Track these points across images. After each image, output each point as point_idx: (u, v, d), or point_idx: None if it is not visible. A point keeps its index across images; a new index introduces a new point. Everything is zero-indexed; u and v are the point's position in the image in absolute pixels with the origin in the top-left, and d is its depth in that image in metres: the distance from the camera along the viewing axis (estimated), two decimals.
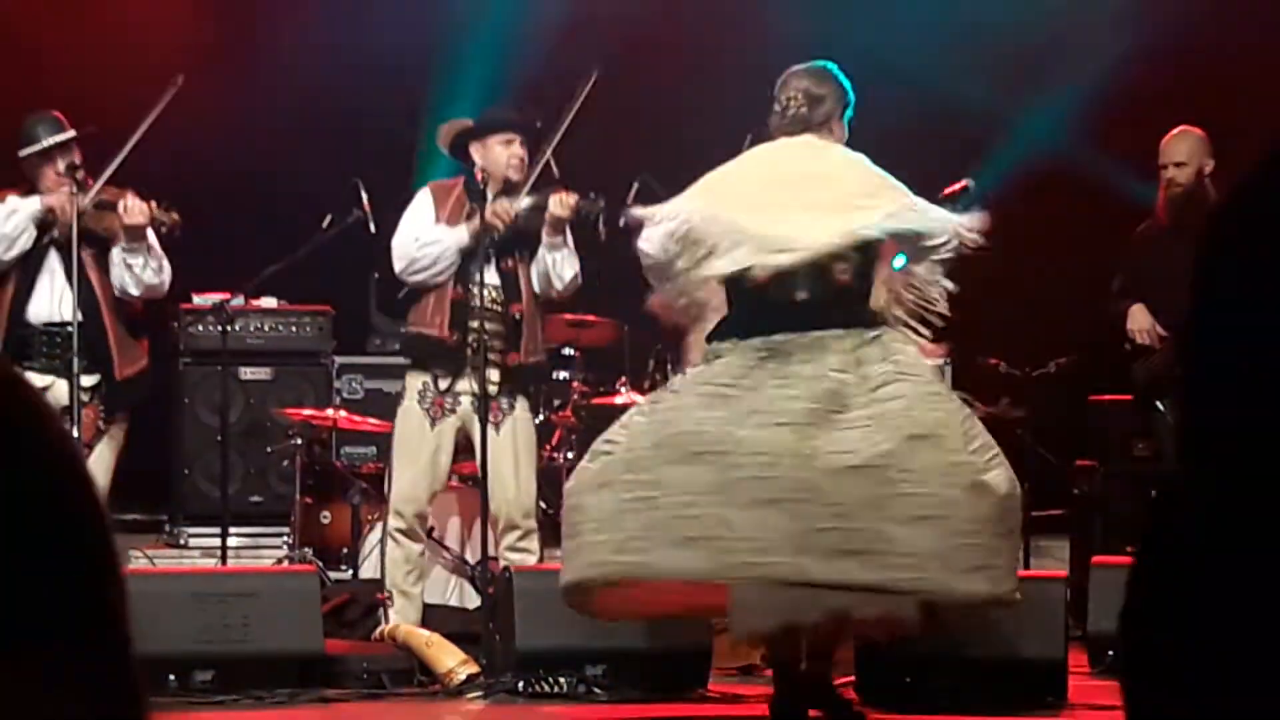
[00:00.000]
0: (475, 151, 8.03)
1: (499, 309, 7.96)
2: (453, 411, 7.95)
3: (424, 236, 7.99)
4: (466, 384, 7.92)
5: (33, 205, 7.95)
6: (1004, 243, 9.86)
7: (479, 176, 7.91)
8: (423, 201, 8.14)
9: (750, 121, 7.48)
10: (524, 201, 7.92)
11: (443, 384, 7.96)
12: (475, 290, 7.84)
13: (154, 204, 8.00)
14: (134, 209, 7.95)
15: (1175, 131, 8.48)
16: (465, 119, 8.36)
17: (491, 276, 7.94)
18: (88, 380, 7.93)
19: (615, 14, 10.99)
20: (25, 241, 7.92)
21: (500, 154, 8.00)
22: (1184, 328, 1.02)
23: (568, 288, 8.14)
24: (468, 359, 7.91)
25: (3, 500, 1.03)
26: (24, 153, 8.11)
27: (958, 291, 9.56)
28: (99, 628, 1.10)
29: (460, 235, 7.92)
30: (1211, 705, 0.94)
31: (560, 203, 7.86)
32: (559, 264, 7.98)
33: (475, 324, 7.84)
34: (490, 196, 7.87)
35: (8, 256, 7.92)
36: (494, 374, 7.86)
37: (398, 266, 8.10)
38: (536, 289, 8.05)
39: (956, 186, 8.80)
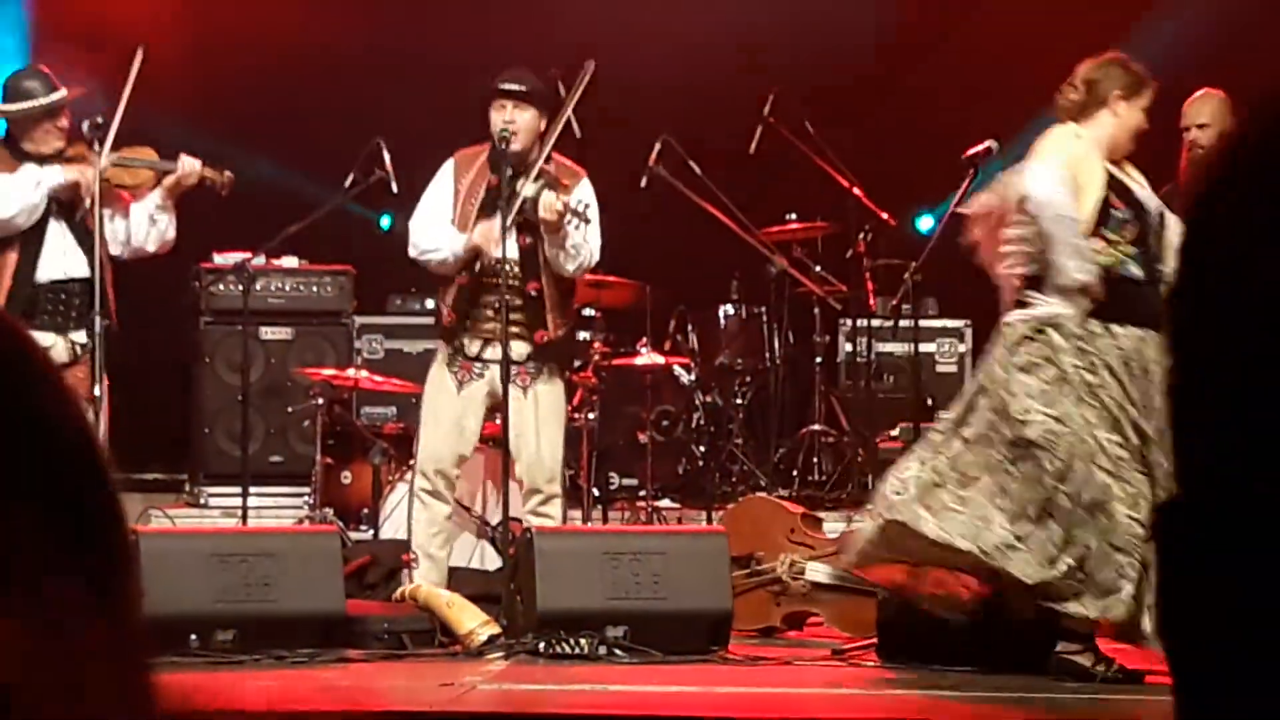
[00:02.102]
0: (490, 114, 7.99)
1: (518, 284, 7.93)
2: (480, 376, 7.94)
3: (425, 243, 8.00)
4: (494, 352, 7.90)
5: (56, 177, 7.94)
6: None
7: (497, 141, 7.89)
8: (444, 178, 8.12)
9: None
10: (517, 203, 7.84)
11: (472, 349, 7.97)
12: (498, 265, 7.82)
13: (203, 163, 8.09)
14: (190, 167, 8.03)
15: (1199, 94, 8.44)
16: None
17: (511, 251, 7.88)
18: (82, 337, 7.95)
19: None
20: (42, 208, 7.94)
21: (495, 119, 7.93)
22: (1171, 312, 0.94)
23: (577, 271, 8.11)
24: (483, 333, 7.93)
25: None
26: (17, 108, 8.13)
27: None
28: (99, 579, 1.05)
29: (458, 245, 7.89)
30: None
31: (547, 208, 7.79)
32: (560, 256, 7.95)
33: (492, 298, 7.84)
34: (508, 172, 7.82)
35: (26, 224, 7.93)
36: (521, 346, 7.87)
37: (410, 252, 8.13)
38: (563, 267, 8.02)
39: (980, 148, 8.81)
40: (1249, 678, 0.88)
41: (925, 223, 9.92)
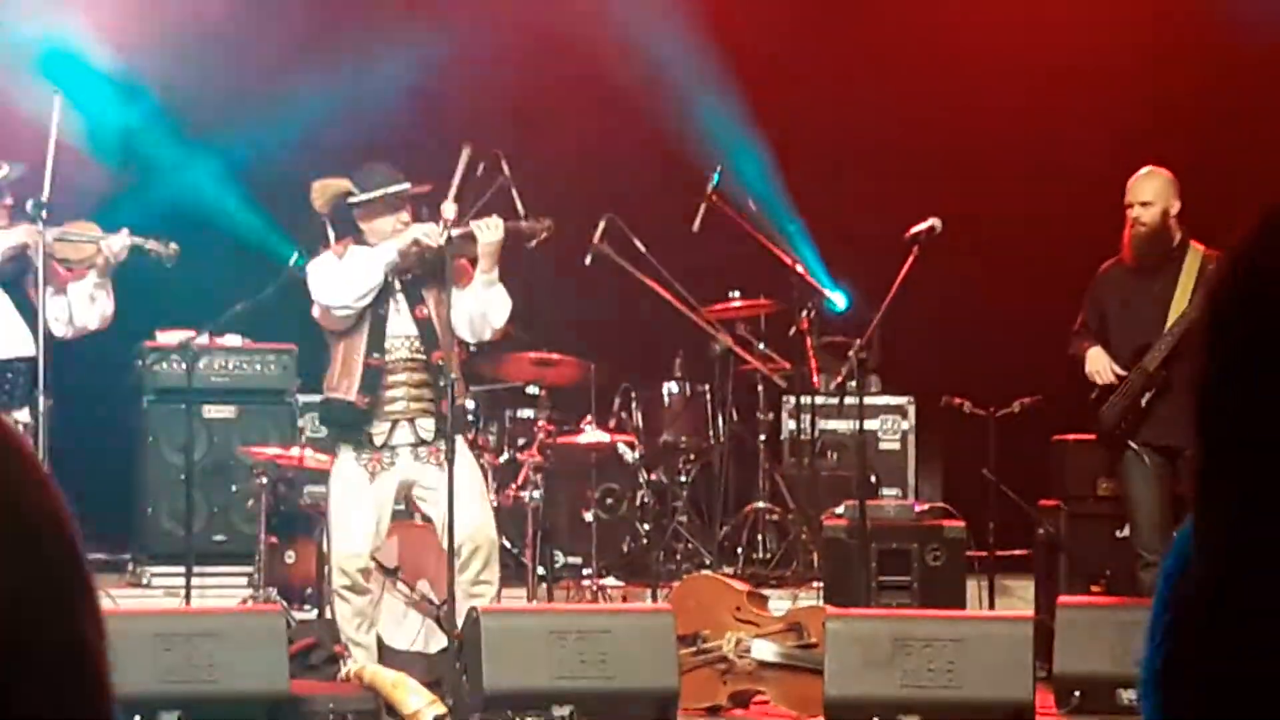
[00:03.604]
0: (363, 222, 7.91)
1: (421, 358, 7.88)
2: (391, 465, 7.88)
3: (352, 281, 7.83)
4: (403, 435, 7.86)
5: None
6: (968, 285, 10.02)
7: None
8: (326, 263, 7.97)
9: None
10: (453, 231, 7.77)
11: (379, 438, 7.88)
12: (393, 342, 7.82)
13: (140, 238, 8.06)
14: (119, 242, 7.98)
15: (1143, 171, 8.50)
16: (341, 179, 8.07)
17: (406, 327, 7.87)
18: (25, 416, 7.91)
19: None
20: None
21: (383, 225, 7.87)
22: (1199, 393, 1.03)
23: (501, 330, 8.07)
24: (383, 416, 7.85)
25: None
26: None
27: (922, 333, 9.63)
28: (75, 660, 1.10)
29: (388, 252, 7.79)
30: None
31: (487, 227, 7.74)
32: (493, 303, 7.87)
33: (400, 377, 7.82)
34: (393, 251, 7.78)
35: None
36: (428, 423, 7.83)
37: (327, 306, 7.93)
38: (467, 335, 7.96)
39: (923, 226, 8.86)
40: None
41: (839, 300, 9.91)
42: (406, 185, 7.91)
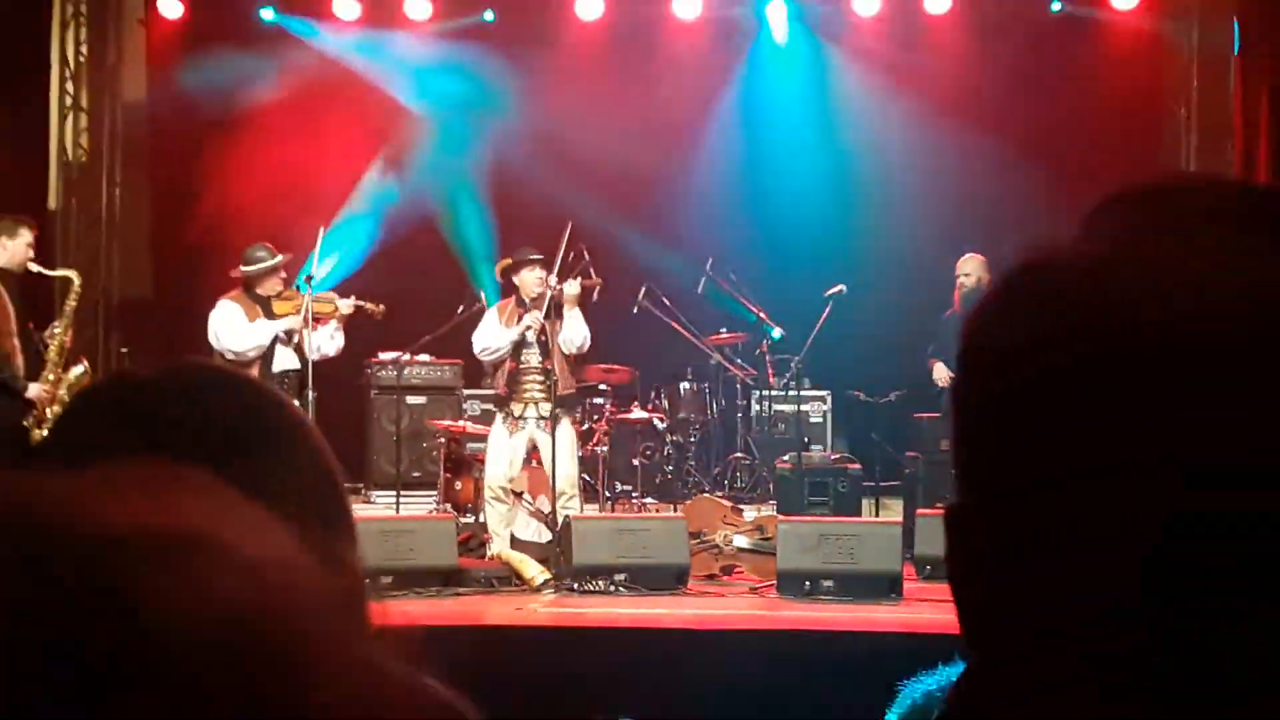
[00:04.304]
0: (515, 277, 7.88)
1: (540, 365, 7.80)
2: (522, 429, 7.86)
3: (489, 343, 7.86)
4: (530, 411, 7.82)
5: (283, 326, 7.81)
6: (861, 321, 9.70)
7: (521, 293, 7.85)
8: (491, 316, 7.99)
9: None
10: (549, 298, 7.73)
11: (516, 411, 7.87)
12: (525, 355, 7.78)
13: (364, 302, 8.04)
14: (347, 305, 7.96)
15: (966, 255, 8.53)
16: (507, 259, 8.07)
17: (532, 346, 7.81)
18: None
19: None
20: (267, 343, 7.84)
21: (529, 277, 7.81)
22: (953, 446, 0.73)
23: (580, 348, 7.89)
24: (519, 399, 7.80)
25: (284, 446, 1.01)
26: (255, 269, 7.80)
27: (834, 351, 9.44)
28: (348, 527, 1.05)
29: (512, 335, 7.79)
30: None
31: (570, 286, 7.75)
32: (572, 331, 7.75)
33: (528, 377, 7.77)
34: (528, 305, 7.79)
35: (258, 354, 7.77)
36: (545, 405, 7.78)
37: (477, 353, 8.05)
38: (564, 350, 7.83)
39: (835, 289, 8.86)
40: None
41: (779, 332, 9.64)
42: (540, 257, 7.85)
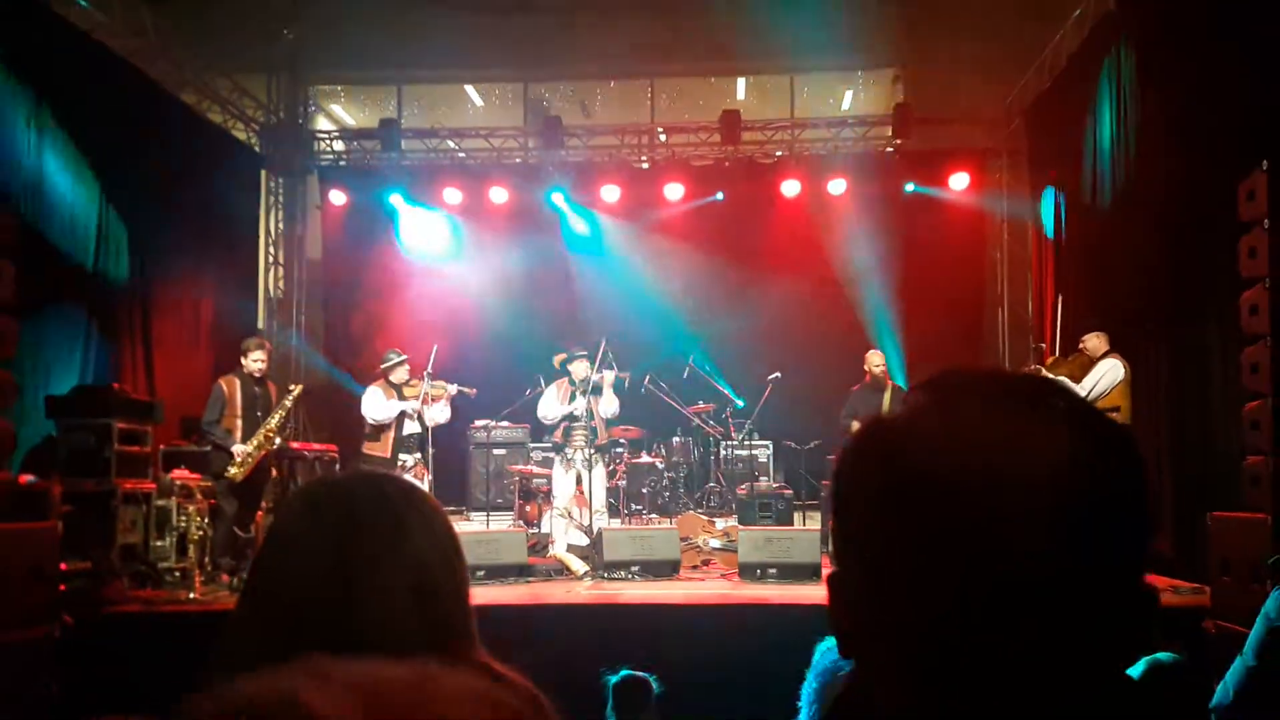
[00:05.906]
0: (569, 366, 7.79)
1: (585, 422, 7.79)
2: (573, 467, 7.82)
3: (547, 413, 7.73)
4: (579, 456, 7.77)
5: (409, 405, 7.54)
6: (796, 396, 9.41)
7: (575, 376, 7.84)
8: (551, 391, 7.82)
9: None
10: (592, 381, 7.68)
11: (569, 456, 7.80)
12: (579, 418, 7.73)
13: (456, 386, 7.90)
14: (453, 388, 7.85)
15: (871, 350, 8.38)
16: (562, 352, 7.81)
17: (583, 413, 7.80)
18: (417, 456, 7.42)
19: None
20: (394, 417, 7.66)
21: (579, 367, 7.67)
22: (833, 522, 0.71)
23: (614, 415, 7.81)
24: (572, 445, 7.72)
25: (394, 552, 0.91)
26: (390, 365, 7.61)
27: (774, 414, 9.30)
28: (457, 554, 0.96)
29: (564, 410, 7.66)
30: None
31: (603, 379, 7.72)
32: (605, 405, 7.67)
33: (578, 433, 7.72)
34: (577, 384, 7.68)
35: (389, 421, 7.54)
36: (588, 451, 7.75)
37: (539, 417, 7.96)
38: (601, 415, 7.74)
39: (774, 375, 8.81)
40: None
41: (738, 403, 9.60)
42: (585, 353, 7.72)
